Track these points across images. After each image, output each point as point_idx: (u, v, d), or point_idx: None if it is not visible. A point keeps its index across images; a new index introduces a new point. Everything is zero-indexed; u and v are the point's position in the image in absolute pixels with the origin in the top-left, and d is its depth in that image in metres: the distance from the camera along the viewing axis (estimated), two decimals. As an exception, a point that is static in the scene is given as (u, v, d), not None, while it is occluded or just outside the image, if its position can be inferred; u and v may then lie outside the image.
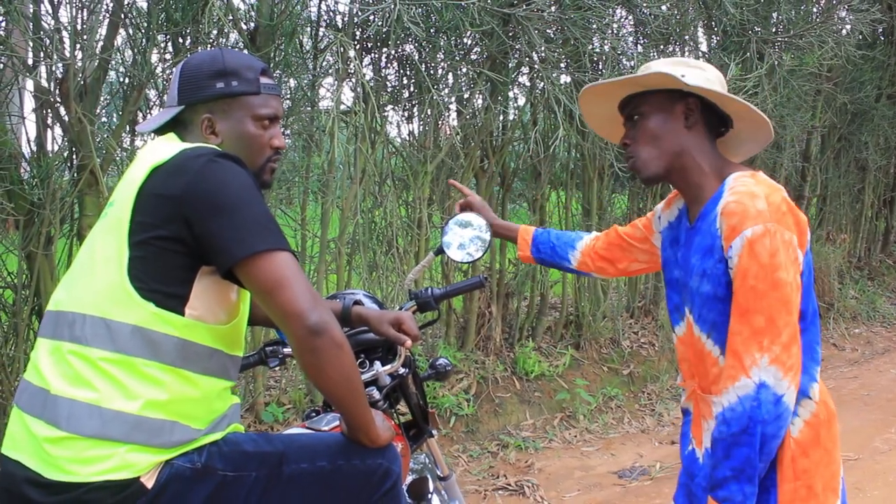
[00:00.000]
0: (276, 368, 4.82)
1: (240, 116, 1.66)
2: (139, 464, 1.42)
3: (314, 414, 2.09)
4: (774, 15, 5.83)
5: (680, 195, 1.87)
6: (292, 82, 4.17)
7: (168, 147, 1.53)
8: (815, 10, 6.31)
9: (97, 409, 1.41)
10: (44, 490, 1.39)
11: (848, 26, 6.54)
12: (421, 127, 4.79)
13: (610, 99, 1.79)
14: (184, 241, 1.45)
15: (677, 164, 1.71)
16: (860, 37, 6.56)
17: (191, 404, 1.50)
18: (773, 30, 5.74)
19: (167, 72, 3.69)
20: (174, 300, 1.47)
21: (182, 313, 1.47)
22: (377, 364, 2.09)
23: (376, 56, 4.54)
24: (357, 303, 2.04)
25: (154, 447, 1.44)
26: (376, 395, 2.06)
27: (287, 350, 2.06)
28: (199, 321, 1.50)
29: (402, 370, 2.12)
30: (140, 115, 3.71)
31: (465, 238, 2.19)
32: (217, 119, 1.65)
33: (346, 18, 4.24)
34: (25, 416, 1.47)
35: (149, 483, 1.43)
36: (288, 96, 4.20)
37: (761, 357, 1.50)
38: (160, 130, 1.69)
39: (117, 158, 3.68)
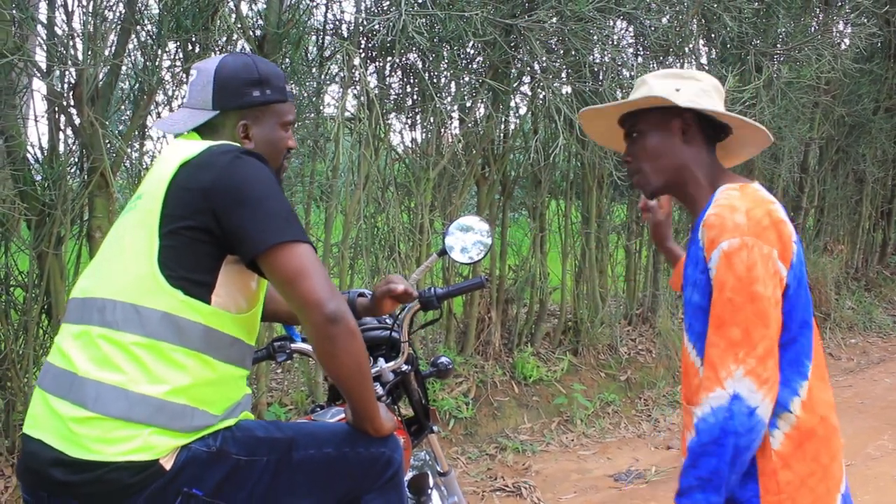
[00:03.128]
0: (282, 365, 4.88)
1: (271, 123, 1.79)
2: (160, 446, 1.50)
3: (318, 409, 2.16)
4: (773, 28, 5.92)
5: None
6: (298, 89, 4.25)
7: (195, 145, 1.63)
8: (813, 23, 6.40)
9: (124, 392, 1.49)
10: (67, 468, 1.46)
11: (846, 40, 6.64)
12: (424, 134, 4.88)
13: (608, 117, 1.83)
14: (211, 232, 1.54)
15: (677, 178, 1.74)
16: (858, 50, 6.65)
17: (210, 389, 1.58)
18: (772, 42, 5.83)
19: (177, 77, 3.77)
20: (201, 288, 1.55)
21: (208, 301, 1.56)
22: (381, 361, 2.17)
23: (381, 64, 4.63)
24: (361, 295, 2.14)
25: (175, 431, 1.51)
26: (379, 390, 2.13)
27: (294, 345, 2.14)
28: (224, 310, 1.58)
29: (404, 367, 2.20)
30: (150, 119, 3.79)
31: (468, 241, 2.26)
32: (252, 125, 1.76)
33: (351, 27, 4.33)
34: (49, 397, 1.53)
35: (167, 465, 1.50)
36: (294, 102, 4.27)
37: (736, 369, 1.51)
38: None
39: (127, 162, 3.77)
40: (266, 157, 1.69)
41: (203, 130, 1.75)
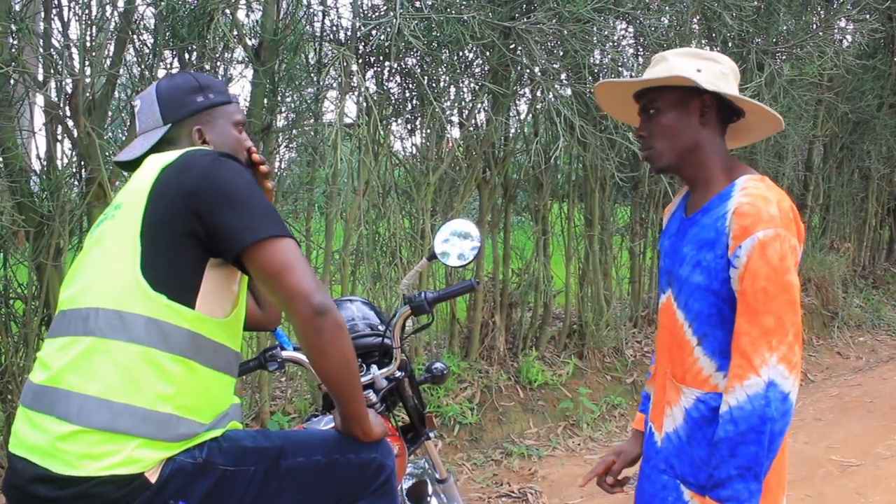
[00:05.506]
0: (285, 373, 4.88)
1: (222, 124, 1.82)
2: (145, 459, 1.47)
3: (313, 417, 2.14)
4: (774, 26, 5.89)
5: (680, 196, 1.94)
6: (296, 96, 4.24)
7: (173, 153, 1.63)
8: (814, 20, 6.37)
9: (107, 403, 1.47)
10: (51, 485, 1.44)
11: (848, 37, 6.60)
12: (424, 139, 4.86)
13: (625, 89, 1.84)
14: (195, 234, 1.53)
15: (690, 157, 1.76)
16: (860, 46, 6.61)
17: (196, 397, 1.56)
18: (773, 40, 5.80)
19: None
20: (185, 293, 1.54)
21: (192, 306, 1.54)
22: (374, 368, 2.15)
23: (379, 69, 4.62)
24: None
25: (161, 441, 1.49)
26: (373, 397, 2.11)
27: (285, 353, 2.12)
28: (208, 315, 1.57)
29: (397, 373, 2.17)
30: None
31: (457, 243, 2.23)
32: (206, 129, 1.79)
33: (348, 33, 4.32)
34: (32, 414, 1.51)
35: (153, 478, 1.48)
36: (292, 109, 4.28)
37: (770, 356, 1.55)
38: (141, 156, 1.77)
39: (125, 172, 3.76)
40: None
41: (162, 148, 1.76)
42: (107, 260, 1.56)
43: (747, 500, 1.56)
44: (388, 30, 3.74)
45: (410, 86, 4.76)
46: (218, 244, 1.55)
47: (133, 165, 1.81)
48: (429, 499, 2.34)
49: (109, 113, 3.62)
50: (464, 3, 4.00)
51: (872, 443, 4.78)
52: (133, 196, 1.58)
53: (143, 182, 1.58)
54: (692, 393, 1.73)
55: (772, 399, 1.54)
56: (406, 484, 2.34)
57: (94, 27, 3.38)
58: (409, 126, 4.93)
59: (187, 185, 1.54)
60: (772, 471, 1.68)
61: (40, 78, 3.44)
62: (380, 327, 2.24)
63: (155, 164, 1.60)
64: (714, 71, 1.71)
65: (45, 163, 3.49)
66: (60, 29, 3.39)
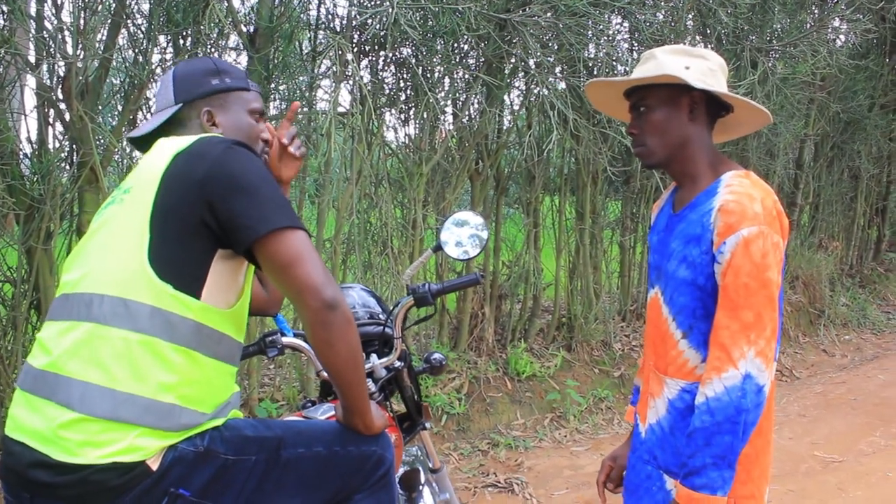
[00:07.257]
0: (273, 360, 4.86)
1: (237, 109, 1.81)
2: (147, 447, 1.46)
3: (309, 405, 2.14)
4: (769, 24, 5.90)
5: (668, 192, 1.96)
6: (290, 84, 4.22)
7: (186, 138, 1.62)
8: (808, 19, 6.39)
9: (110, 392, 1.45)
10: (50, 470, 1.43)
11: (842, 37, 6.62)
12: (417, 129, 4.85)
13: (615, 87, 1.86)
14: (205, 223, 1.52)
15: (679, 154, 1.78)
16: (853, 46, 6.64)
17: (198, 387, 1.54)
18: (767, 38, 5.82)
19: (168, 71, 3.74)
20: (191, 283, 1.52)
21: (198, 297, 1.53)
22: (373, 357, 2.15)
23: (374, 59, 4.60)
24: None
25: (163, 430, 1.48)
26: (372, 386, 2.12)
27: (285, 339, 2.11)
28: (213, 305, 1.55)
29: (397, 363, 2.18)
30: (141, 114, 3.76)
31: (463, 236, 2.23)
32: (216, 112, 1.78)
33: (344, 21, 4.30)
34: (32, 398, 1.50)
35: (154, 465, 1.47)
36: (286, 97, 4.25)
37: (749, 350, 1.59)
38: (154, 136, 1.76)
39: (117, 157, 3.74)
40: None
41: (172, 129, 1.75)
42: (113, 245, 1.54)
43: (721, 487, 1.60)
44: (385, 19, 3.72)
45: (405, 76, 4.74)
46: (229, 234, 1.53)
47: (145, 144, 1.79)
48: (421, 487, 2.34)
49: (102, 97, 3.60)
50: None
51: (855, 439, 4.84)
52: (144, 181, 1.56)
53: (155, 168, 1.56)
54: (676, 384, 1.76)
55: (748, 391, 1.58)
56: (399, 472, 2.34)
57: (87, 10, 3.34)
58: (402, 116, 4.91)
59: (199, 174, 1.52)
60: (755, 461, 1.72)
61: (32, 60, 3.41)
62: (380, 315, 2.24)
63: (168, 150, 1.58)
64: (702, 68, 1.73)
65: (36, 146, 3.45)
66: (54, 11, 3.35)
